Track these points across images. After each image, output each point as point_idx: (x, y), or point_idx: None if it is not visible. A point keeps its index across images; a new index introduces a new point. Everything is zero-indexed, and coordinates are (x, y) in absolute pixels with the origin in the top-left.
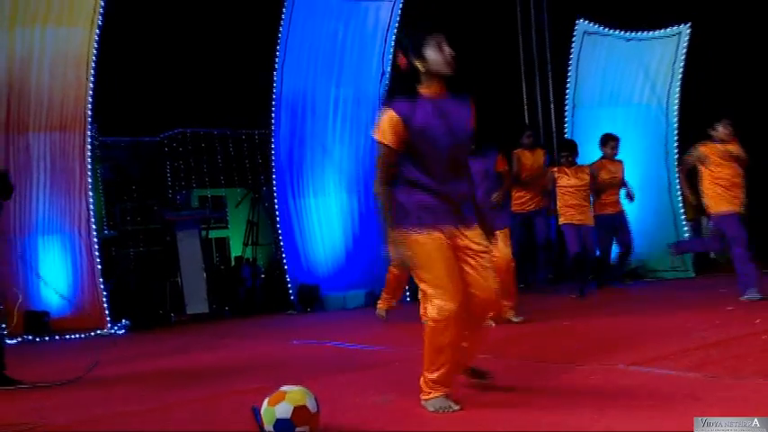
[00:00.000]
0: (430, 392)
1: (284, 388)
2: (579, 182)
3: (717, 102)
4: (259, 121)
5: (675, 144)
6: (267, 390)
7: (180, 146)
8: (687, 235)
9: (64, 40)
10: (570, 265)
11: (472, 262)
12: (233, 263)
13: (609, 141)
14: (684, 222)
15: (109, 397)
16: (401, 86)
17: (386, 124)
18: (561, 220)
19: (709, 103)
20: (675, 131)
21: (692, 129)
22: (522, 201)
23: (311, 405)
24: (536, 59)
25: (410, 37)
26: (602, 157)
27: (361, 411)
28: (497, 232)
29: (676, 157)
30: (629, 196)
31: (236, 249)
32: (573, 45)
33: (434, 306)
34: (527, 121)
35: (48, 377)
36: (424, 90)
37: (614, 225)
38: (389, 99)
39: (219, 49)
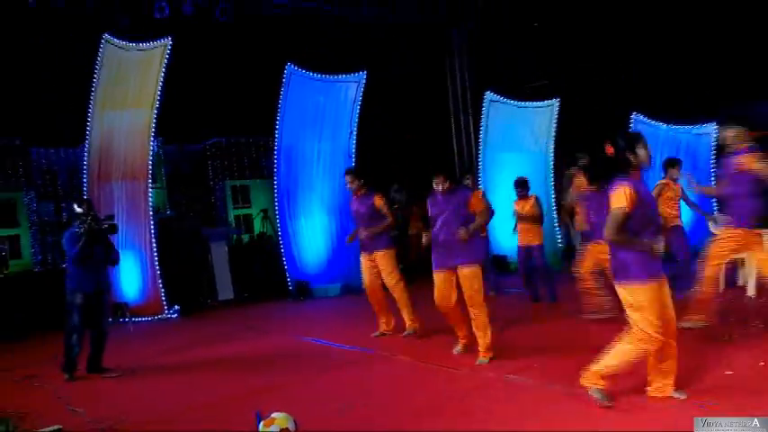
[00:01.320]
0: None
1: (274, 414)
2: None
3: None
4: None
5: (552, 181)
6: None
7: (218, 150)
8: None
9: (135, 117)
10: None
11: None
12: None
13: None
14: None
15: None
16: (607, 168)
17: (623, 195)
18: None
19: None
20: (552, 172)
21: (561, 170)
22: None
23: (291, 427)
24: (462, 117)
25: (625, 136)
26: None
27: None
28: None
29: (552, 189)
30: None
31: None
32: (483, 108)
33: (647, 340)
34: (462, 162)
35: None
36: (633, 174)
37: None
38: (619, 175)
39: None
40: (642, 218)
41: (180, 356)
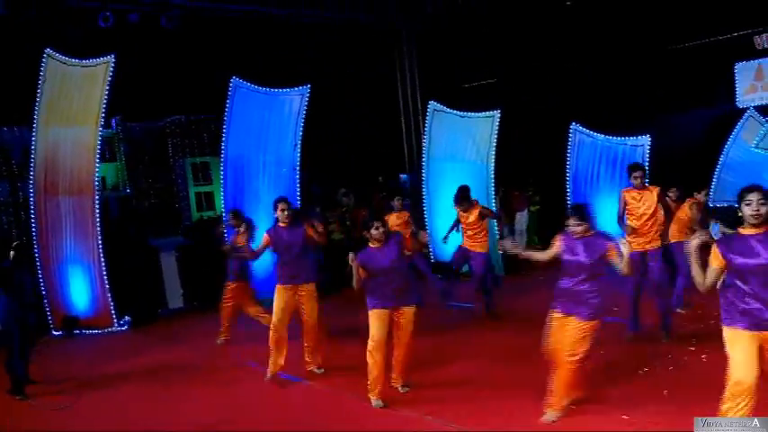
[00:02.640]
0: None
1: None
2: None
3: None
4: None
5: (493, 189)
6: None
7: (177, 128)
8: None
9: (80, 134)
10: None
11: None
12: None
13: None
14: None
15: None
16: None
17: (713, 253)
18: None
19: (514, 163)
20: (492, 181)
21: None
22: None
23: None
24: (411, 120)
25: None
26: None
27: None
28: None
29: (494, 198)
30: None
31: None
32: (427, 118)
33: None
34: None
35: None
36: (741, 230)
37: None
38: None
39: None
40: None
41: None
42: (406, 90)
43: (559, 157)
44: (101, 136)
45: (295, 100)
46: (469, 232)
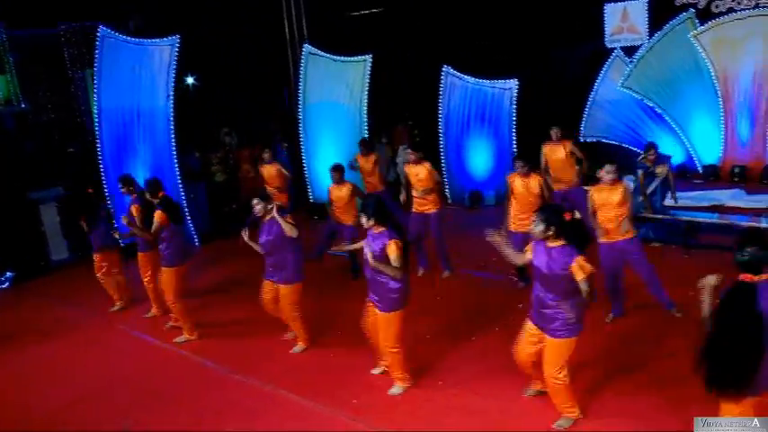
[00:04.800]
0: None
1: None
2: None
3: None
4: None
5: (366, 131)
6: None
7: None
8: None
9: None
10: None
11: None
12: None
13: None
14: None
15: None
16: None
17: None
18: None
19: (386, 106)
20: (365, 124)
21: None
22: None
23: None
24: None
25: None
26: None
27: None
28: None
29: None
30: None
31: None
32: (302, 61)
33: None
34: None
35: None
36: None
37: None
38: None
39: None
40: None
41: None
42: (293, 32)
43: (433, 100)
44: None
45: (165, 50)
46: (421, 190)
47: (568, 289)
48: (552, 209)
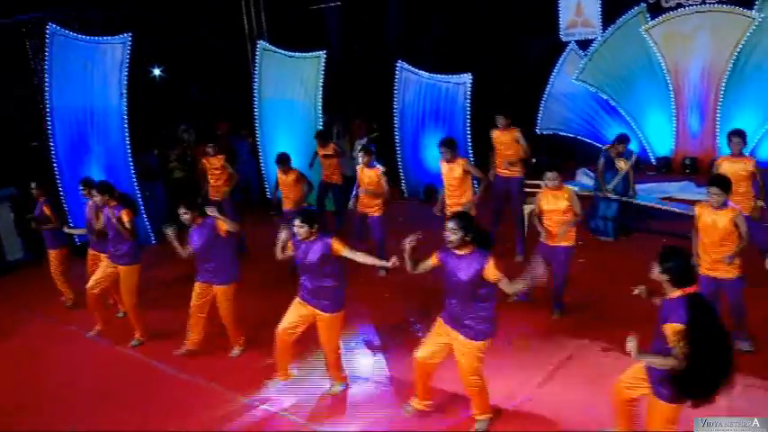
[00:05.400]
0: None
1: None
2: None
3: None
4: None
5: (321, 127)
6: None
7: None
8: None
9: None
10: None
11: None
12: None
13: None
14: None
15: None
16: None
17: None
18: None
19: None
20: (321, 120)
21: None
22: None
23: None
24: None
25: None
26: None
27: None
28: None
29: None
30: None
31: None
32: (257, 58)
33: None
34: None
35: None
36: None
37: None
38: None
39: None
40: None
41: None
42: (252, 27)
43: (388, 95)
44: None
45: (117, 48)
46: (371, 191)
47: (480, 294)
48: (465, 216)
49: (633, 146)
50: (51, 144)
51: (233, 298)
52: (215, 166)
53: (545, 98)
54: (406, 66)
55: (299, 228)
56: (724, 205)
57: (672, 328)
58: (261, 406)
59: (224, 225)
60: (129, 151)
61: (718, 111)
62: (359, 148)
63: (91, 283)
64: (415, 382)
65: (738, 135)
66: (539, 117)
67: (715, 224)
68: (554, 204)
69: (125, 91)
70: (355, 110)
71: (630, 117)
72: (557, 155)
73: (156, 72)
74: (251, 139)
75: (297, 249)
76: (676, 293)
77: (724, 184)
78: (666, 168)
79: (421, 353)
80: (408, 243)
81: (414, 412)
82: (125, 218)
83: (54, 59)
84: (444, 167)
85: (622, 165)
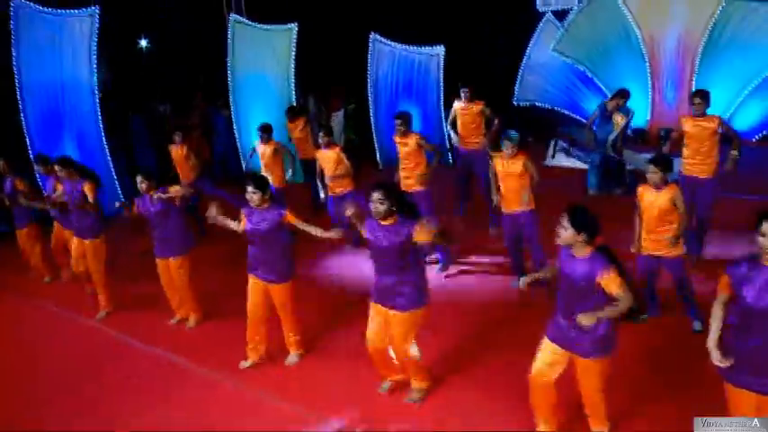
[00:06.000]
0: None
1: None
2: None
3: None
4: None
5: (294, 101)
6: None
7: None
8: None
9: None
10: None
11: None
12: None
13: None
14: None
15: None
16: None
17: (721, 282)
18: None
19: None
20: (293, 93)
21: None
22: None
23: None
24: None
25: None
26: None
27: None
28: None
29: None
30: None
31: None
32: (229, 31)
33: None
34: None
35: None
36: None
37: None
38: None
39: None
40: None
41: None
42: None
43: (363, 67)
44: None
45: (84, 21)
46: (333, 171)
47: (409, 261)
48: (391, 186)
49: None
50: (22, 119)
51: (189, 271)
52: (180, 155)
53: (522, 70)
54: (379, 37)
55: (253, 194)
56: (664, 183)
57: (609, 278)
58: (215, 375)
59: (171, 193)
60: (101, 125)
61: (694, 81)
62: (334, 121)
63: (73, 263)
64: (376, 366)
65: (700, 96)
66: (516, 88)
67: (655, 203)
68: (508, 167)
69: (95, 65)
70: (331, 83)
71: (607, 88)
72: (531, 128)
73: (143, 43)
74: (227, 111)
75: (249, 217)
76: (588, 250)
77: (663, 162)
78: (642, 139)
79: (368, 338)
80: (350, 214)
81: (392, 386)
82: (88, 191)
83: (20, 34)
84: (398, 140)
85: (619, 119)
